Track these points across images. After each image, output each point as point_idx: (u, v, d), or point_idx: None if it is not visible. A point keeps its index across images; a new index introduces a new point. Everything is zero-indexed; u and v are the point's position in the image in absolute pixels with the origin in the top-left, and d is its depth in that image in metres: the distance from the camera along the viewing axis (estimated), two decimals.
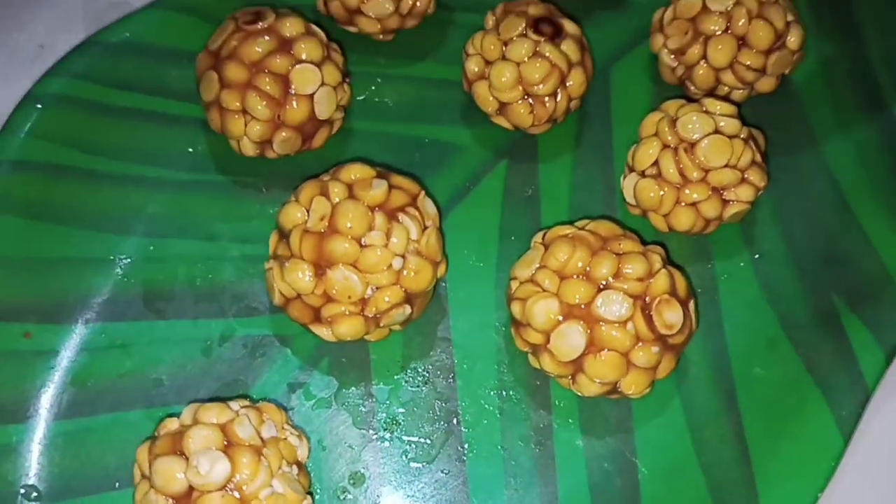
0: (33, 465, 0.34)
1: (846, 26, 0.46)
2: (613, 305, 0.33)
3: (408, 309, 0.35)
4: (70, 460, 0.34)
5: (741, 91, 0.41)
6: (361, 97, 0.44)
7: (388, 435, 0.35)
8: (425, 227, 0.36)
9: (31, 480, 0.34)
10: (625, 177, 0.39)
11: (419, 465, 0.35)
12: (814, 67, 0.45)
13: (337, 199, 0.35)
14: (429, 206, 0.37)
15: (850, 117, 0.43)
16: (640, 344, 0.33)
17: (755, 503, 0.33)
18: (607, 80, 0.44)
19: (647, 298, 0.33)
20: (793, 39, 0.40)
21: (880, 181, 0.41)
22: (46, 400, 0.36)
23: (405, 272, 0.35)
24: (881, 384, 0.35)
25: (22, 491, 0.33)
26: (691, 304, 0.35)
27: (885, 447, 0.35)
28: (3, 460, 0.34)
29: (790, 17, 0.40)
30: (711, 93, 0.42)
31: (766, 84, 0.41)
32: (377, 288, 0.35)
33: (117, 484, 0.34)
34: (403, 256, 0.35)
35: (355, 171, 0.36)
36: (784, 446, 0.34)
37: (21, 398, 0.35)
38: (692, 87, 0.42)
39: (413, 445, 0.35)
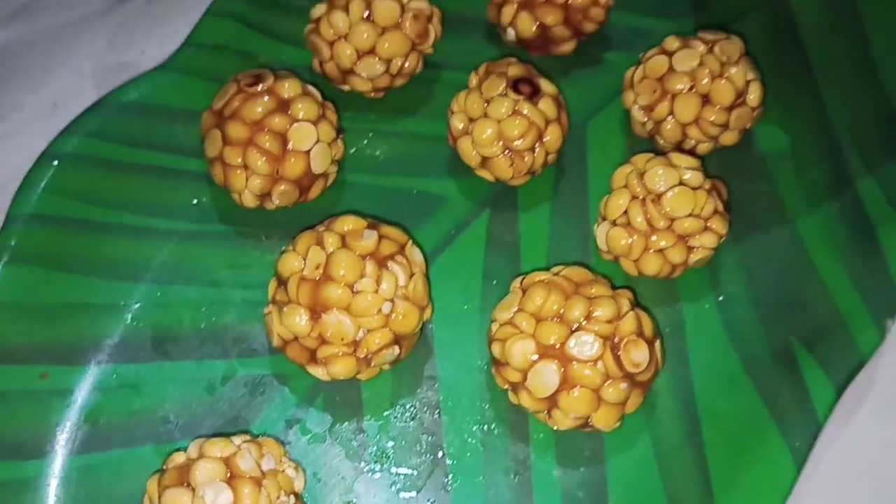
0: (51, 498, 0.36)
1: (806, 84, 0.48)
2: (585, 346, 0.35)
3: (396, 350, 0.37)
4: (85, 493, 0.36)
5: (706, 144, 0.43)
6: (354, 151, 0.46)
7: (378, 467, 0.37)
8: (412, 274, 0.38)
9: None
10: (598, 225, 0.41)
11: (407, 494, 0.37)
12: (775, 121, 0.46)
13: (331, 249, 0.37)
14: (416, 255, 0.39)
15: (808, 168, 0.45)
16: (610, 381, 0.35)
17: None
18: (584, 134, 0.46)
19: (615, 339, 0.35)
20: (752, 97, 0.42)
21: (834, 228, 0.42)
22: (62, 437, 0.38)
23: (394, 316, 0.37)
24: (831, 418, 0.37)
25: None
26: (657, 344, 0.37)
27: (834, 475, 0.37)
28: (23, 494, 0.36)
29: (750, 77, 0.42)
30: (679, 146, 0.44)
31: (729, 138, 0.43)
32: (368, 331, 0.36)
33: None
34: (392, 301, 0.37)
35: (348, 223, 0.38)
36: (742, 475, 0.36)
37: (39, 435, 0.37)
38: (661, 141, 0.44)
39: (401, 476, 0.37)
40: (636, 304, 0.37)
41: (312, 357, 0.37)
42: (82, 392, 0.39)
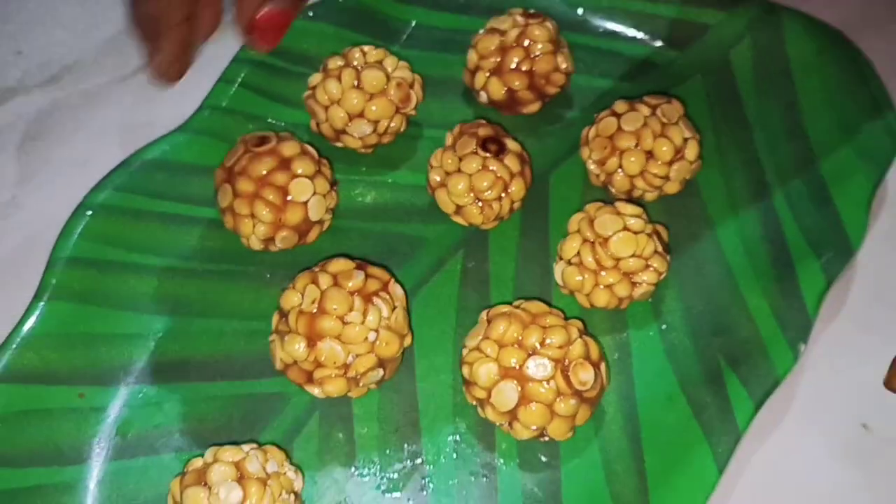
0: (89, 498, 0.40)
1: (742, 139, 0.52)
2: (539, 367, 0.39)
3: (381, 371, 0.41)
4: (117, 494, 0.40)
5: (652, 193, 0.48)
6: (347, 200, 0.49)
7: (366, 471, 0.41)
8: (394, 308, 0.41)
9: None
10: (556, 264, 0.45)
11: (391, 495, 0.40)
12: (714, 171, 0.50)
13: (324, 287, 0.40)
14: (397, 291, 0.42)
15: (742, 212, 0.49)
16: (561, 397, 0.39)
17: None
18: (547, 183, 0.50)
19: (566, 362, 0.39)
20: (690, 153, 0.47)
21: (761, 265, 0.46)
22: (97, 447, 0.41)
23: (378, 343, 0.40)
24: (750, 428, 0.40)
25: None
26: (602, 366, 0.41)
27: (750, 477, 0.42)
28: (65, 495, 0.40)
29: (687, 135, 0.47)
30: (629, 194, 0.48)
31: (672, 187, 0.48)
32: (356, 355, 0.40)
33: None
34: (377, 331, 0.40)
35: (339, 265, 0.42)
36: (673, 476, 0.40)
37: (78, 445, 0.41)
38: (613, 190, 0.48)
39: (386, 480, 0.41)
40: (585, 332, 0.41)
41: (310, 378, 0.41)
42: (114, 409, 0.42)
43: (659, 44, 0.57)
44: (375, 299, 0.41)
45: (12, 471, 0.39)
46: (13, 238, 0.50)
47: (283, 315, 0.42)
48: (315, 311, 0.40)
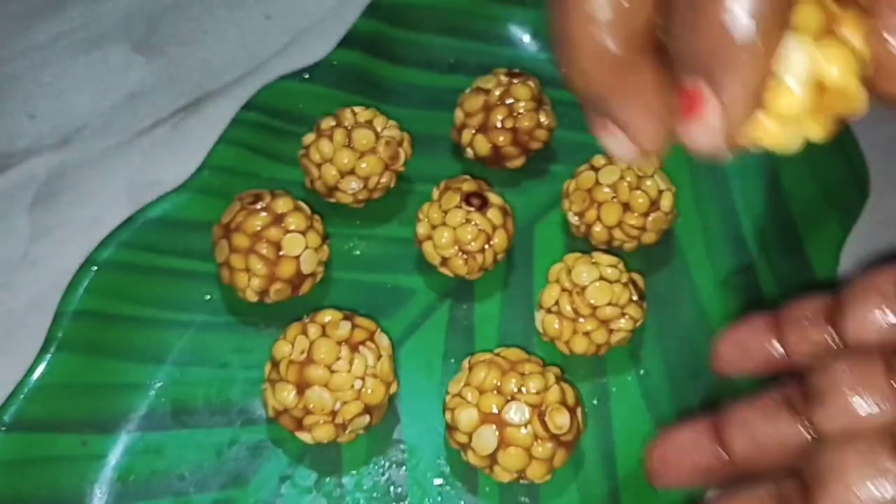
0: None
1: (718, 189, 0.54)
2: (517, 413, 0.40)
3: (367, 418, 0.43)
4: None
5: (630, 243, 0.50)
6: (339, 252, 0.51)
7: None
8: (380, 356, 0.43)
9: None
10: (537, 312, 0.47)
11: None
12: (691, 221, 0.52)
13: (313, 337, 0.42)
14: (383, 340, 0.44)
15: (718, 261, 0.51)
16: (539, 441, 0.40)
17: None
18: (531, 234, 0.52)
19: (543, 407, 0.41)
20: (665, 204, 0.49)
21: (735, 311, 0.48)
22: (99, 492, 0.43)
23: (364, 390, 0.42)
24: None
25: None
26: (579, 411, 0.42)
27: None
28: None
29: (663, 187, 0.49)
30: (609, 244, 0.50)
31: (648, 237, 0.49)
32: (343, 402, 0.42)
33: None
34: (363, 378, 0.42)
35: (327, 315, 0.43)
36: None
37: (80, 491, 0.42)
38: (593, 241, 0.50)
39: None
40: (562, 378, 0.43)
41: (300, 424, 0.42)
42: (115, 455, 0.44)
43: None
44: (362, 348, 0.43)
45: None
46: (25, 293, 0.52)
47: (275, 364, 0.43)
48: (304, 360, 0.42)
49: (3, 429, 0.43)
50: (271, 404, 0.43)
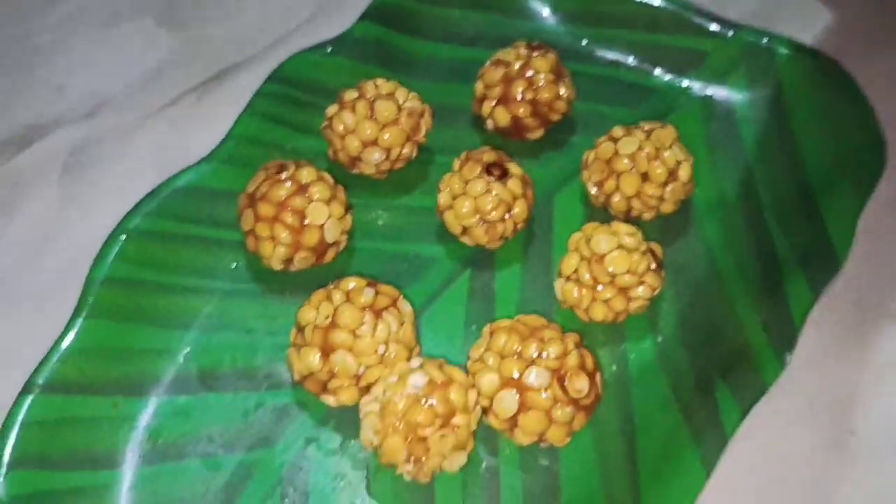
0: (122, 500, 0.42)
1: (737, 160, 0.54)
2: (537, 377, 0.41)
3: None
4: (147, 497, 0.42)
5: (649, 213, 0.50)
6: (362, 222, 0.51)
7: (378, 474, 0.43)
8: (402, 322, 0.43)
9: None
10: (556, 281, 0.48)
11: (402, 494, 0.42)
12: (709, 191, 0.53)
13: (338, 303, 0.43)
14: (405, 307, 0.44)
15: (735, 230, 0.51)
16: (558, 405, 0.41)
17: None
18: (551, 204, 0.53)
19: (562, 372, 0.41)
20: (683, 174, 0.49)
21: (751, 279, 0.48)
22: (130, 453, 0.44)
23: (388, 355, 0.42)
24: (738, 433, 0.42)
25: None
26: (597, 376, 0.43)
27: (738, 479, 0.43)
28: (102, 495, 0.42)
29: (680, 158, 0.49)
30: (628, 214, 0.51)
31: (667, 207, 0.50)
32: (367, 367, 0.42)
33: None
34: (386, 344, 0.42)
35: (351, 282, 0.44)
36: (664, 478, 0.41)
37: (112, 452, 0.43)
38: (612, 211, 0.51)
39: (396, 481, 0.43)
40: (581, 344, 0.43)
41: (324, 388, 0.43)
42: (145, 418, 0.45)
43: (658, 71, 0.59)
44: (385, 314, 0.43)
45: (51, 473, 0.42)
46: (56, 261, 0.53)
47: (300, 329, 0.44)
48: (328, 325, 0.43)
49: (37, 390, 0.44)
50: (296, 368, 0.44)
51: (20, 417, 0.43)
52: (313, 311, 0.44)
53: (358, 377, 0.43)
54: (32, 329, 0.48)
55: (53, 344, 0.45)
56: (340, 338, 0.42)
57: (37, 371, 0.44)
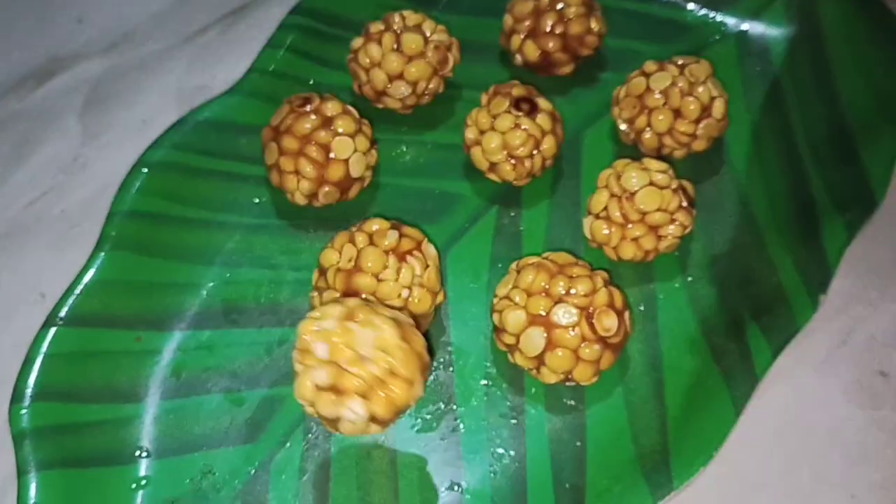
0: (145, 433, 0.42)
1: (772, 98, 0.53)
2: (565, 315, 0.40)
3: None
4: (169, 430, 0.43)
5: (681, 150, 0.49)
6: (387, 158, 0.51)
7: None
8: (427, 266, 0.43)
9: (144, 444, 0.42)
10: (585, 218, 0.47)
11: (425, 434, 0.42)
12: (743, 129, 0.52)
13: (361, 246, 0.42)
14: (430, 250, 0.44)
15: (769, 170, 0.50)
16: (585, 343, 0.41)
17: (668, 461, 0.40)
18: (579, 142, 0.52)
19: (590, 309, 0.41)
20: (717, 111, 0.48)
21: (786, 220, 0.47)
22: (153, 386, 0.44)
23: (411, 299, 0.42)
24: (769, 374, 0.41)
25: (137, 452, 0.42)
26: (626, 314, 0.42)
27: (768, 420, 0.43)
28: (125, 429, 0.42)
29: (715, 94, 0.48)
30: (658, 152, 0.49)
31: (699, 144, 0.49)
32: None
33: (204, 448, 0.42)
34: (410, 288, 0.42)
35: (375, 224, 0.43)
36: (693, 418, 0.41)
37: (135, 385, 0.44)
38: (642, 148, 0.50)
39: (420, 420, 0.43)
40: (610, 282, 0.43)
41: None
42: (168, 352, 0.45)
43: (692, 5, 0.58)
44: (409, 258, 0.43)
45: (75, 406, 0.42)
46: (78, 194, 0.53)
47: (323, 272, 0.44)
48: (351, 268, 0.42)
49: (60, 323, 0.44)
50: None
51: (43, 350, 0.43)
52: (336, 254, 0.43)
53: None
54: (55, 262, 0.48)
55: (76, 277, 0.45)
56: (364, 282, 0.42)
57: (59, 304, 0.44)
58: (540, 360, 0.42)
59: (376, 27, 0.51)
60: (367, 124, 0.49)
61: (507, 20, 0.54)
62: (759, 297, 0.45)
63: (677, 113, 0.48)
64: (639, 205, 0.45)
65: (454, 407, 0.44)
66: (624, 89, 0.50)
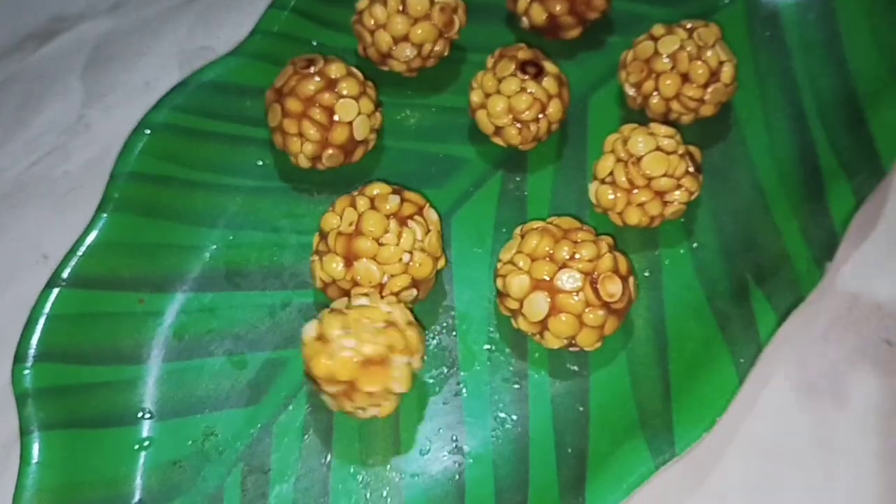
0: (147, 394, 0.43)
1: (779, 63, 0.52)
2: (569, 280, 0.40)
3: (414, 291, 0.43)
4: (172, 392, 0.43)
5: (688, 115, 0.49)
6: (391, 121, 0.51)
7: None
8: (428, 231, 0.43)
9: (147, 405, 0.42)
10: (591, 183, 0.46)
11: (429, 397, 0.42)
12: (750, 95, 0.51)
13: (362, 210, 0.42)
14: (432, 215, 0.43)
15: (776, 135, 0.49)
16: (589, 308, 0.40)
17: (670, 427, 0.39)
18: (586, 106, 0.51)
19: (595, 274, 0.40)
20: (725, 76, 0.47)
21: (793, 186, 0.47)
22: (156, 349, 0.44)
23: (412, 264, 0.42)
24: (774, 341, 0.41)
25: (140, 414, 0.42)
26: (631, 280, 0.42)
27: (771, 387, 0.43)
28: (127, 391, 0.43)
29: (723, 58, 0.47)
30: (665, 117, 0.49)
31: (707, 110, 0.48)
32: (391, 276, 0.42)
33: (206, 410, 0.42)
34: (411, 252, 0.42)
35: (376, 188, 0.43)
36: (696, 384, 0.41)
37: (137, 347, 0.44)
38: (650, 113, 0.49)
39: (424, 384, 0.43)
40: (614, 248, 0.42)
41: (347, 296, 0.42)
42: (171, 314, 0.45)
43: None
44: (410, 222, 0.42)
45: (78, 367, 0.42)
46: (81, 155, 0.52)
47: (323, 237, 0.43)
48: (352, 232, 0.42)
49: (63, 284, 0.44)
50: (319, 276, 0.43)
51: (45, 311, 0.43)
52: (336, 218, 0.43)
53: (381, 286, 0.42)
54: (58, 224, 0.48)
55: (78, 238, 0.45)
56: (364, 246, 0.42)
57: (62, 265, 0.44)
58: (543, 325, 0.41)
59: None
60: (371, 87, 0.49)
61: None
62: (765, 263, 0.45)
63: (685, 77, 0.48)
64: (645, 170, 0.44)
65: (457, 371, 0.44)
66: (631, 53, 0.49)
